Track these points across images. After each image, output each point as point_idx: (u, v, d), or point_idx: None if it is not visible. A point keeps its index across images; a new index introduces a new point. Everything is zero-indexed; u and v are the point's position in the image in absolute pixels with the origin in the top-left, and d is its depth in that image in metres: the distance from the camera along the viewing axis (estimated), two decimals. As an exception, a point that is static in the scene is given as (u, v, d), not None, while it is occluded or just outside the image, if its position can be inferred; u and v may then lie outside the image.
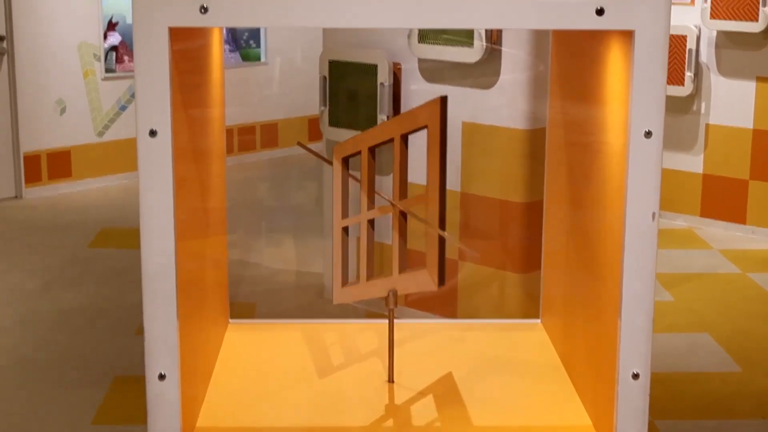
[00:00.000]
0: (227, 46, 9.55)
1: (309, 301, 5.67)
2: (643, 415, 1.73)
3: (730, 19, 7.02)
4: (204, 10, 1.58)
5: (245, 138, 9.68)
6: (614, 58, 1.72)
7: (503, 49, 4.89)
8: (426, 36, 5.05)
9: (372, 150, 1.99)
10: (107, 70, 8.74)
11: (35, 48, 8.24)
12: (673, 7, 1.64)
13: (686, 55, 7.19)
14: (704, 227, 7.36)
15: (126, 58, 8.85)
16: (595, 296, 1.88)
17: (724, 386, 4.73)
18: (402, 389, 2.03)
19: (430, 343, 2.27)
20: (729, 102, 7.25)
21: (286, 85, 9.95)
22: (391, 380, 2.05)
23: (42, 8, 8.23)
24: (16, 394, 4.59)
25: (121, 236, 7.09)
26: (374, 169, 2.01)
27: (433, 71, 5.18)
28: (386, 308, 2.02)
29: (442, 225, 1.85)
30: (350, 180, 2.06)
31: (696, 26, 7.21)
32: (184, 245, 1.73)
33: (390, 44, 5.22)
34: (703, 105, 7.36)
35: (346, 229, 2.06)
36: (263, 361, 2.16)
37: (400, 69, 5.24)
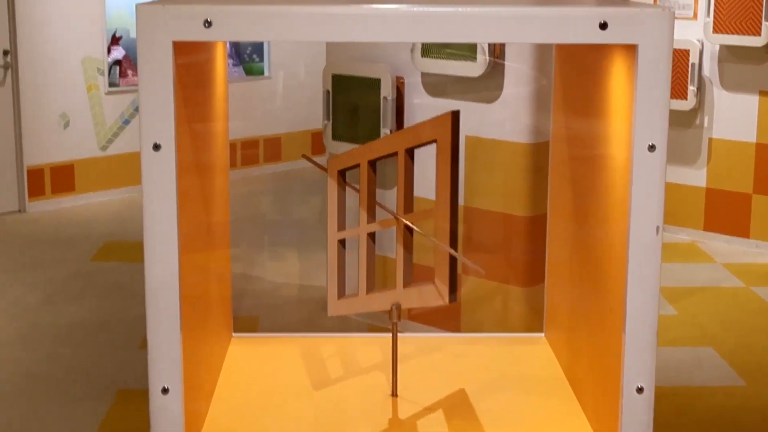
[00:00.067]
0: (230, 61, 9.57)
1: (312, 315, 5.67)
2: (647, 429, 1.72)
3: (732, 33, 7.02)
4: (208, 24, 1.58)
5: (248, 152, 9.69)
6: (617, 72, 1.72)
7: (506, 63, 4.90)
8: (429, 50, 5.06)
9: (373, 163, 1.99)
10: (111, 84, 8.76)
11: (39, 62, 8.26)
12: (675, 21, 1.64)
13: (689, 69, 7.19)
14: (707, 241, 7.35)
15: (129, 72, 8.87)
16: (599, 310, 1.88)
17: (729, 400, 4.72)
18: (405, 403, 2.02)
19: (434, 357, 2.26)
20: (732, 116, 7.26)
21: (289, 99, 9.97)
22: (394, 394, 2.05)
23: (46, 22, 8.25)
24: (18, 407, 4.59)
25: (124, 250, 7.09)
26: (375, 182, 2.00)
27: (436, 85, 5.18)
28: (390, 322, 2.01)
29: (454, 241, 1.84)
30: (353, 192, 2.05)
31: (699, 40, 7.22)
32: (187, 259, 1.73)
33: (393, 58, 5.23)
34: (706, 119, 7.37)
35: (343, 242, 2.06)
36: (266, 375, 2.16)
37: (403, 83, 5.25)
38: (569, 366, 2.14)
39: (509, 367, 2.23)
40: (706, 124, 7.37)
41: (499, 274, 4.99)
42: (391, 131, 5.16)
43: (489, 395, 2.07)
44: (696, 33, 7.24)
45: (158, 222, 1.64)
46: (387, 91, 5.18)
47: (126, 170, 8.71)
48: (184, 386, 1.70)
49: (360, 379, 2.14)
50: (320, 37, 1.61)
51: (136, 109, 8.15)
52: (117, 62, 8.83)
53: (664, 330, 5.29)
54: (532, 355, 2.28)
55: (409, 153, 1.92)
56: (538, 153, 4.85)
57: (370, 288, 2.02)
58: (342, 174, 2.04)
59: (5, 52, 8.11)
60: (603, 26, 1.60)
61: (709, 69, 7.31)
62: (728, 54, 7.22)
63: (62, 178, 8.49)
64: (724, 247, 7.23)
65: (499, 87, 4.94)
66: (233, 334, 2.35)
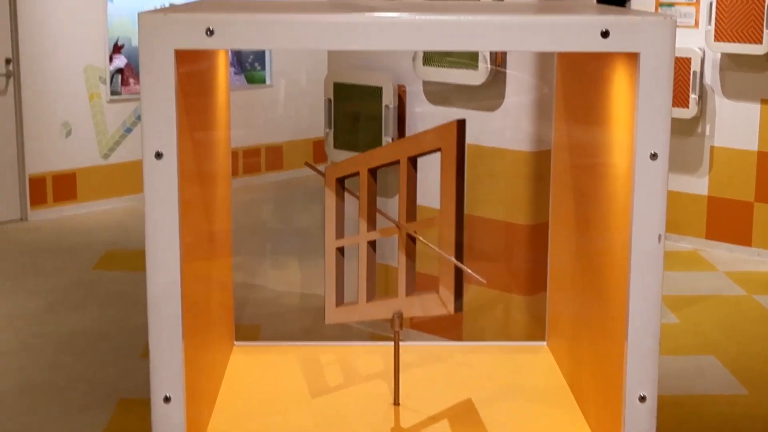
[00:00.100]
0: (232, 69, 9.58)
1: (314, 324, 5.66)
2: (650, 438, 1.72)
3: (734, 41, 7.03)
4: (210, 32, 1.58)
5: (250, 160, 9.69)
6: (619, 80, 1.72)
7: (508, 71, 4.90)
8: (431, 58, 5.06)
9: (373, 171, 1.99)
10: (113, 93, 8.77)
11: (41, 71, 8.27)
12: (677, 29, 1.64)
13: (691, 78, 7.20)
14: (709, 249, 7.35)
15: (131, 80, 8.88)
16: (601, 318, 1.87)
17: (731, 409, 4.71)
18: (407, 412, 2.02)
19: (436, 366, 2.26)
20: (733, 124, 7.26)
21: (291, 108, 9.97)
22: (396, 403, 2.05)
23: (48, 31, 8.27)
24: (20, 417, 4.58)
25: (126, 258, 7.09)
26: (375, 190, 2.00)
27: (438, 93, 5.19)
28: (391, 330, 2.01)
29: (459, 250, 1.84)
30: (354, 201, 2.05)
31: (700, 49, 7.23)
32: (189, 267, 1.72)
33: (395, 67, 5.24)
34: (707, 127, 7.37)
35: (341, 250, 2.06)
36: (268, 384, 2.16)
37: (405, 91, 5.26)
38: (571, 374, 2.14)
39: (511, 375, 2.23)
40: (707, 133, 7.37)
41: (500, 282, 4.99)
42: (392, 139, 5.17)
43: (491, 404, 2.07)
44: (697, 41, 7.24)
45: (160, 230, 1.64)
46: (389, 99, 5.18)
47: (128, 178, 8.72)
48: (185, 395, 1.70)
49: (362, 388, 2.14)
50: (322, 45, 1.61)
51: (138, 118, 8.15)
52: (119, 71, 8.84)
53: (666, 338, 5.28)
54: (534, 363, 2.28)
55: (412, 161, 1.91)
56: (540, 161, 4.85)
57: (371, 296, 2.01)
58: (341, 181, 2.04)
59: (7, 61, 8.12)
60: (605, 34, 1.60)
61: (711, 77, 7.31)
62: (730, 62, 7.23)
63: (64, 186, 8.49)
64: (726, 255, 7.23)
65: (501, 95, 4.94)
66: (235, 343, 2.34)
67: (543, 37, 1.61)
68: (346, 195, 2.07)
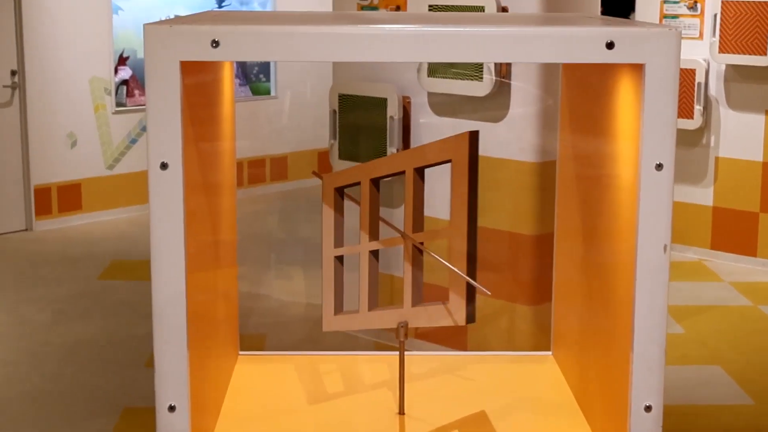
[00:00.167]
0: (237, 80, 9.60)
1: (319, 333, 5.65)
2: (655, 448, 1.72)
3: (738, 53, 7.04)
4: (215, 44, 1.59)
5: (255, 171, 9.71)
6: (624, 91, 1.72)
7: (512, 82, 4.91)
8: (435, 70, 5.07)
9: (376, 181, 1.99)
10: (118, 104, 8.79)
11: (46, 82, 8.29)
12: (682, 41, 1.64)
13: (695, 89, 7.20)
14: (715, 260, 7.34)
15: (137, 92, 8.90)
16: (606, 328, 1.87)
17: (737, 419, 4.70)
18: (412, 421, 2.02)
19: (441, 376, 2.26)
20: (738, 135, 7.26)
21: (295, 119, 9.99)
22: (401, 412, 2.04)
23: (53, 43, 8.29)
24: (25, 426, 4.59)
25: (131, 268, 7.09)
26: (377, 199, 2.00)
27: (442, 105, 5.19)
28: (396, 340, 2.01)
29: (473, 263, 1.83)
30: (356, 210, 2.05)
31: (705, 60, 7.23)
32: (194, 277, 1.73)
33: (399, 78, 5.24)
34: (712, 138, 7.37)
35: (340, 258, 2.05)
36: (273, 393, 2.16)
37: (409, 102, 5.26)
38: (577, 384, 2.13)
39: (517, 385, 2.22)
40: (712, 143, 7.37)
41: (506, 292, 4.98)
42: (397, 150, 5.17)
43: (497, 414, 2.07)
44: (702, 52, 7.25)
45: (165, 240, 1.65)
46: (393, 110, 5.19)
47: (133, 189, 8.73)
48: (190, 404, 1.70)
49: (366, 397, 2.14)
50: (327, 57, 1.62)
51: (143, 129, 8.16)
52: (124, 82, 8.86)
53: (671, 348, 5.28)
54: (540, 373, 2.27)
55: (419, 172, 1.91)
56: (545, 172, 4.85)
57: (372, 305, 2.01)
58: (339, 190, 2.04)
59: (13, 72, 8.15)
60: (610, 46, 1.60)
61: (715, 88, 7.32)
62: (734, 73, 7.23)
63: (69, 196, 8.50)
64: (731, 265, 7.22)
65: (506, 106, 4.94)
66: (240, 353, 2.34)
67: (548, 49, 1.62)
68: (353, 205, 2.07)
